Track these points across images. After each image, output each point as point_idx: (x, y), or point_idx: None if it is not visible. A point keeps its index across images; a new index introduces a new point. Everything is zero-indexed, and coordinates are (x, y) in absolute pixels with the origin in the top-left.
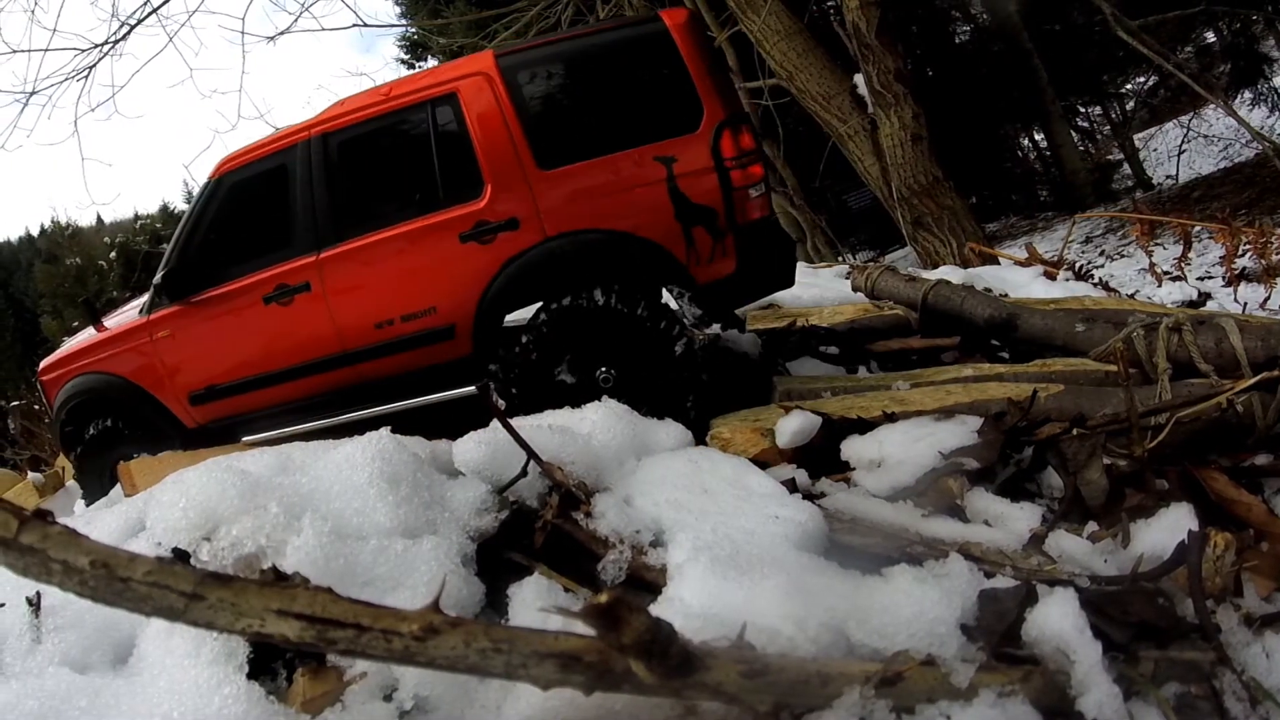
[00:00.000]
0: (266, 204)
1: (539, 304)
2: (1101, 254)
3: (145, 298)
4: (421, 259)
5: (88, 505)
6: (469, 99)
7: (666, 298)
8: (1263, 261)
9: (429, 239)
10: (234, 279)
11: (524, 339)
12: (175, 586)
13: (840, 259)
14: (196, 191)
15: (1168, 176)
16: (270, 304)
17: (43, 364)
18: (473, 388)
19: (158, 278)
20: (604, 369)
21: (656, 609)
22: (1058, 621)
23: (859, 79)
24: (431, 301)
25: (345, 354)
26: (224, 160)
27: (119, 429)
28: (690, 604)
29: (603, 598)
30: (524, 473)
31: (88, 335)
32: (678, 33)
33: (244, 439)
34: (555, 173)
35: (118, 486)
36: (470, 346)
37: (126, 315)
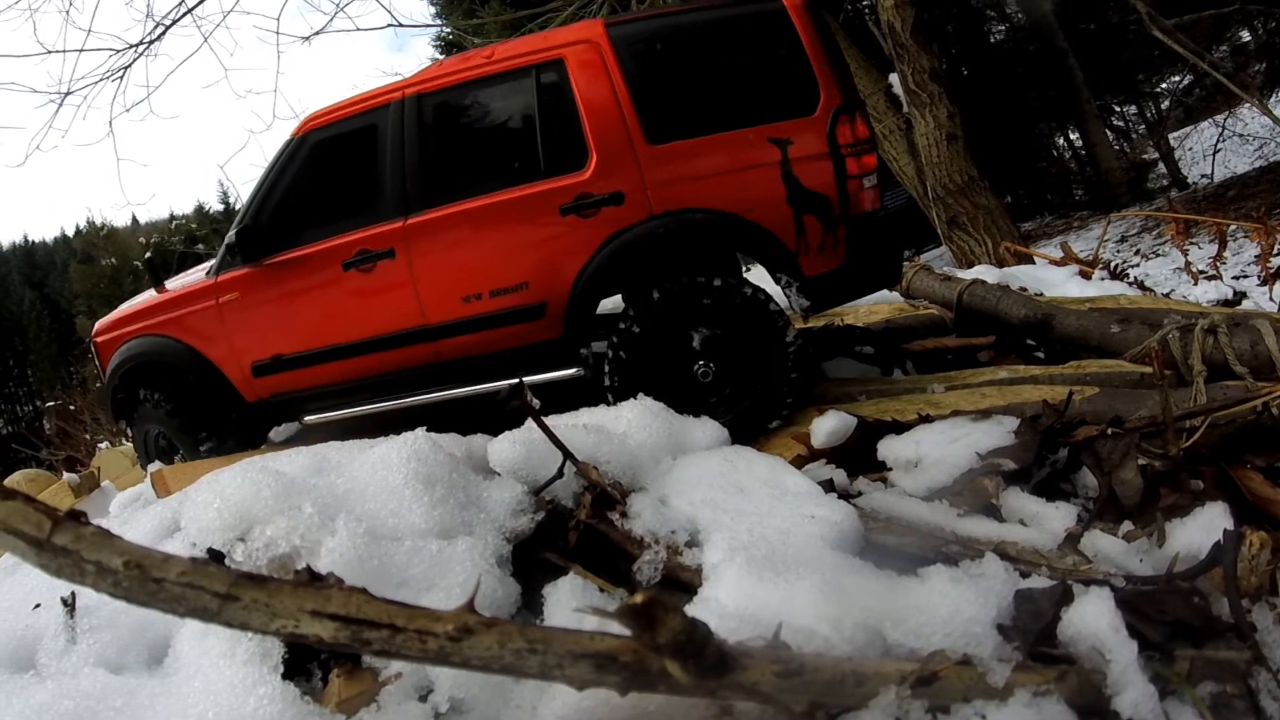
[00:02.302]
0: (352, 165)
1: (647, 288)
2: (1137, 253)
3: (214, 260)
4: (517, 230)
5: (145, 467)
6: (576, 67)
7: (770, 286)
8: None
9: (526, 209)
10: (312, 242)
11: (629, 320)
12: (209, 587)
13: None
14: (279, 148)
15: (1203, 175)
16: (350, 270)
17: (98, 324)
18: (566, 371)
19: (230, 236)
20: (703, 362)
21: (692, 609)
22: (1093, 621)
23: (894, 78)
24: (524, 276)
25: (426, 329)
26: (309, 118)
27: (176, 400)
28: (726, 604)
29: (638, 598)
30: (560, 473)
31: (148, 297)
32: (796, 14)
33: (305, 418)
34: (665, 148)
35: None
36: (561, 328)
37: (192, 278)
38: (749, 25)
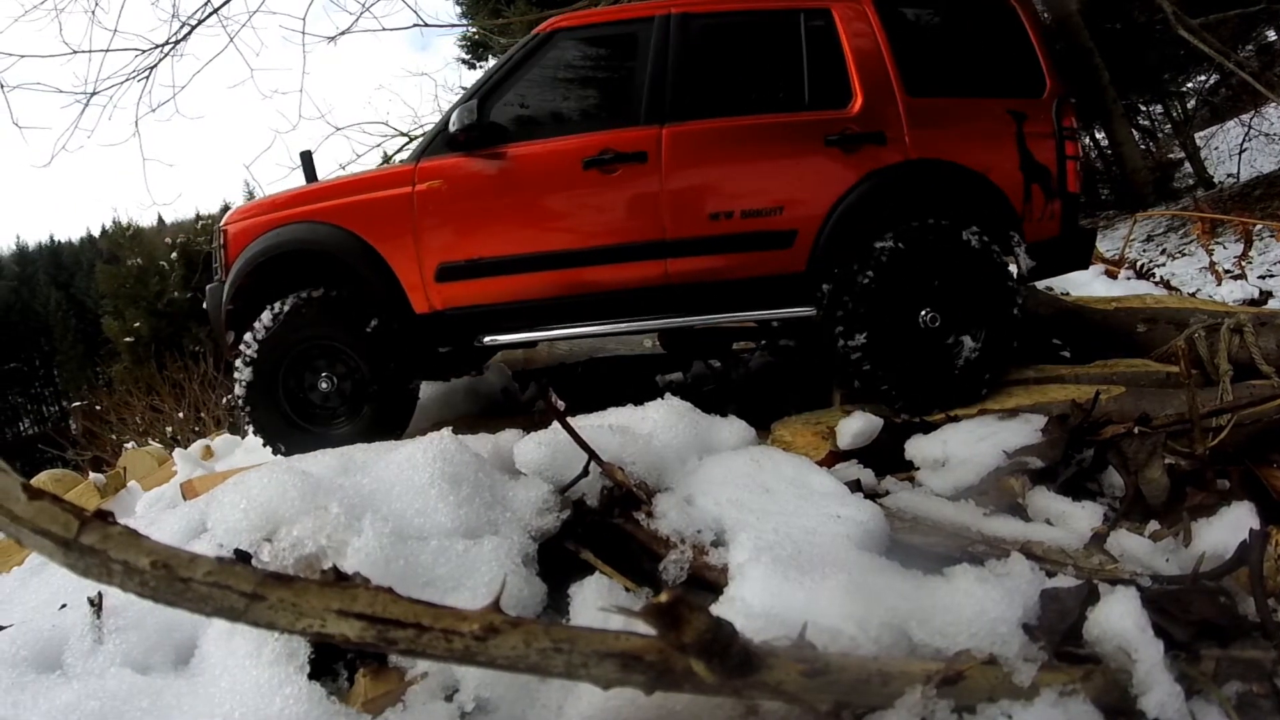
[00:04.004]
0: (605, 68)
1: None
2: (1163, 252)
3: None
4: (780, 153)
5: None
6: (844, 17)
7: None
8: None
9: (792, 134)
10: (546, 137)
11: (867, 263)
12: (236, 587)
13: None
14: (520, 42)
15: (1229, 175)
16: (590, 170)
17: (231, 212)
18: (798, 310)
19: (461, 112)
20: (928, 309)
21: (717, 609)
22: (1119, 620)
23: None
24: (779, 200)
25: (662, 243)
26: (558, 18)
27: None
28: (751, 604)
29: (663, 597)
30: (585, 472)
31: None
32: (1019, 4)
33: (485, 339)
34: (922, 101)
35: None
36: (806, 261)
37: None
38: (986, 7)
